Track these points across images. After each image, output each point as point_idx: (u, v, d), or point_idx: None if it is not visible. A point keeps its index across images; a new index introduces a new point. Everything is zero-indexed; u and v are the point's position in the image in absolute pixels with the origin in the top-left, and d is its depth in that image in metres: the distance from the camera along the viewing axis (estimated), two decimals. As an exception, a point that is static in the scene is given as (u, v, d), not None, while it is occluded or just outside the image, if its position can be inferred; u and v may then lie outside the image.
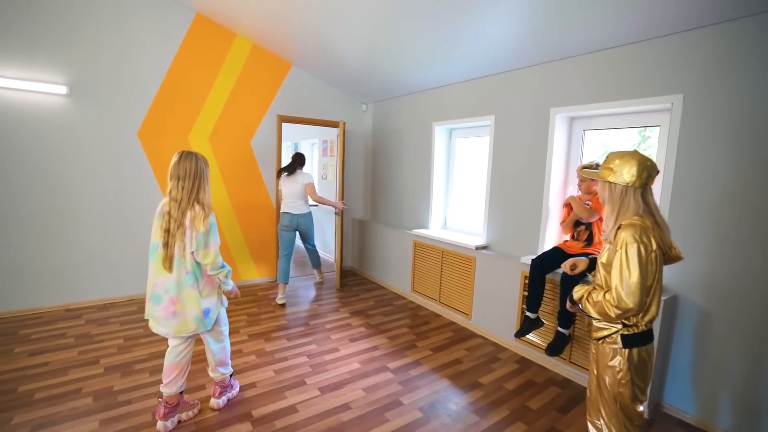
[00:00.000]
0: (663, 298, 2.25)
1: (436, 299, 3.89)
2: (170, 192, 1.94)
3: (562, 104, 2.90)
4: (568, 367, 2.77)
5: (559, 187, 3.08)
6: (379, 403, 2.39)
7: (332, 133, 5.69)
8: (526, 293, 3.02)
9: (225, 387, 2.30)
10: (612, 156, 1.42)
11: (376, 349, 3.09)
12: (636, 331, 1.41)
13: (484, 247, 3.50)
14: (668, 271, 2.31)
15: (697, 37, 2.21)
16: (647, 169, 1.35)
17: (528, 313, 2.72)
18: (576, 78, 2.80)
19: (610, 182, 1.40)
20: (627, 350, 1.41)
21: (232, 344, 3.01)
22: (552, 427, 2.25)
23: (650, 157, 1.40)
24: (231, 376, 2.33)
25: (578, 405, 2.45)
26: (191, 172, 1.93)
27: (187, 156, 1.96)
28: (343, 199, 4.46)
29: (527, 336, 2.99)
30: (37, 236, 3.43)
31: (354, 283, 4.82)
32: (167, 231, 1.90)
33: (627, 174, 1.36)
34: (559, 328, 2.58)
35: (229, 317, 3.58)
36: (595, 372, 1.53)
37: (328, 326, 3.49)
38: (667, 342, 2.40)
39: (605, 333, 1.45)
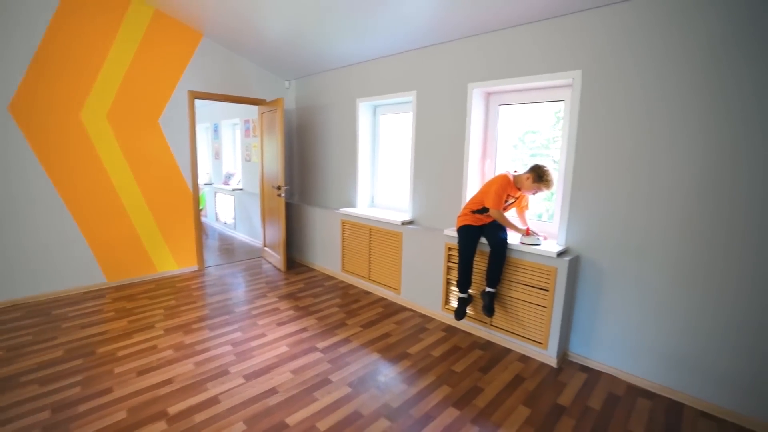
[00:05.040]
0: (567, 258, 2.41)
1: (366, 277, 3.87)
2: None
3: (477, 79, 2.95)
4: (491, 330, 2.89)
5: (478, 161, 3.14)
6: (307, 384, 2.31)
7: (255, 112, 5.32)
8: (449, 277, 3.08)
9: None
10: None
11: (305, 331, 2.99)
12: None
13: (409, 222, 3.51)
14: (572, 234, 2.51)
15: (591, 17, 2.34)
16: None
17: (461, 295, 2.81)
18: (489, 54, 2.86)
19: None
20: None
21: (144, 341, 2.73)
22: (474, 386, 2.34)
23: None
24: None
25: (498, 363, 2.58)
26: None
27: None
28: (284, 182, 4.18)
29: (453, 304, 3.08)
30: None
31: (286, 266, 4.63)
32: None
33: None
34: (489, 288, 2.66)
35: (141, 312, 3.24)
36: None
37: (254, 312, 3.31)
38: (571, 298, 2.58)
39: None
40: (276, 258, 4.51)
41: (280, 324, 3.09)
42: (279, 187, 4.21)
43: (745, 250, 1.97)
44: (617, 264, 2.38)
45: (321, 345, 2.77)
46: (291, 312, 3.32)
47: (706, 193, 2.05)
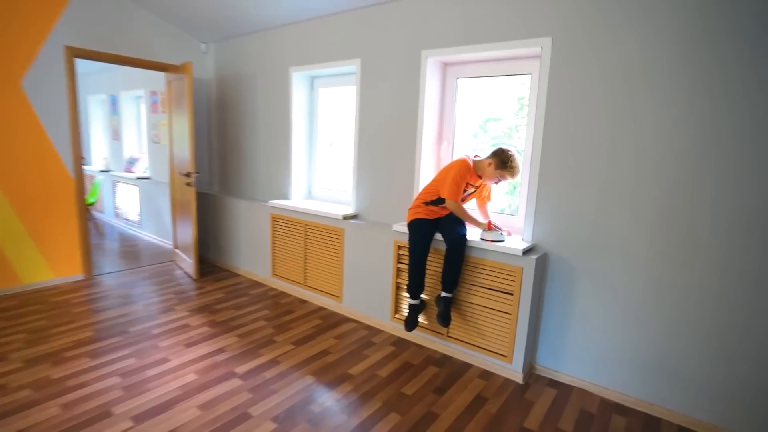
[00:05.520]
0: (534, 256, 2.35)
1: (302, 283, 3.69)
2: None
3: (433, 46, 2.83)
4: (447, 343, 2.81)
5: (433, 144, 3.06)
6: (219, 422, 2.04)
7: (163, 83, 4.83)
8: (400, 281, 2.98)
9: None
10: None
11: (222, 352, 2.70)
12: None
13: (353, 217, 3.38)
14: (540, 229, 2.48)
15: (563, -26, 2.27)
16: None
17: (413, 301, 2.74)
18: (447, 16, 2.74)
19: None
20: None
21: (-9, 375, 2.28)
22: (428, 411, 2.21)
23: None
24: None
25: (456, 382, 2.48)
26: None
27: None
28: (194, 169, 3.82)
29: (405, 313, 2.98)
30: None
31: (203, 271, 4.30)
32: None
33: None
34: (444, 293, 2.60)
35: (-6, 336, 2.75)
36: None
37: (156, 331, 2.95)
38: (539, 302, 2.55)
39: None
40: (188, 263, 4.13)
41: (190, 345, 2.78)
42: (188, 174, 3.84)
43: (731, 247, 1.99)
44: (589, 262, 2.37)
45: (241, 369, 2.51)
46: (205, 329, 3.02)
47: (687, 185, 2.06)
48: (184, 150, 3.95)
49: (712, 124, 1.98)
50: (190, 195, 3.90)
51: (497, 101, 2.88)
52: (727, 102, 1.93)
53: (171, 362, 2.56)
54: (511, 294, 2.47)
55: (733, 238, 1.97)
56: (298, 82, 3.79)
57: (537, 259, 2.39)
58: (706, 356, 2.09)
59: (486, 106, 2.93)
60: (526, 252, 2.44)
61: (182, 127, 3.97)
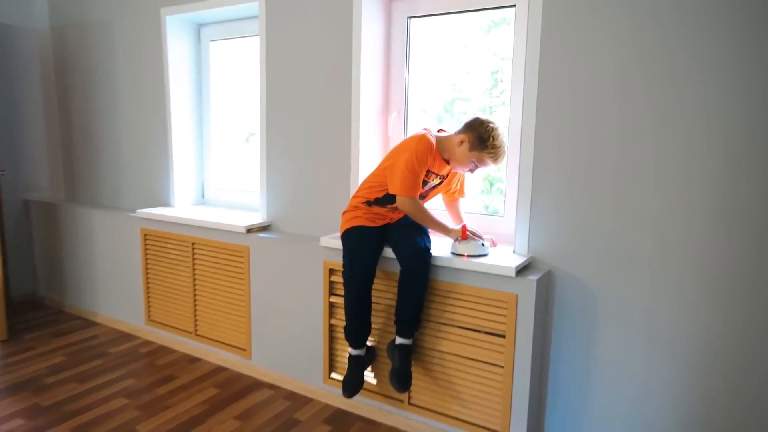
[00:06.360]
0: (534, 276, 2.23)
1: (191, 331, 3.40)
2: None
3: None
4: (408, 414, 2.56)
5: (377, 115, 2.84)
6: None
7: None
8: (335, 322, 2.75)
9: None
10: None
11: (39, 464, 2.16)
12: None
13: (263, 228, 3.13)
14: (538, 234, 2.37)
15: None
16: None
17: (354, 351, 2.51)
18: None
19: None
20: None
21: None
22: None
23: None
24: None
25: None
26: None
27: None
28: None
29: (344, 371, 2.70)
30: None
31: (36, 322, 3.86)
32: None
33: None
34: (400, 338, 2.38)
35: None
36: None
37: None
38: (544, 346, 2.34)
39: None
40: None
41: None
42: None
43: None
44: (617, 282, 2.15)
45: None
46: (18, 423, 2.50)
47: (749, 170, 1.84)
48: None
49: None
50: None
51: (465, 76, 2.87)
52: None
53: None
54: (503, 336, 2.22)
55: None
56: (177, 31, 3.47)
57: (539, 280, 2.14)
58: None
59: (451, 83, 2.93)
60: (522, 270, 2.21)
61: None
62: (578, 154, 2.15)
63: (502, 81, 2.65)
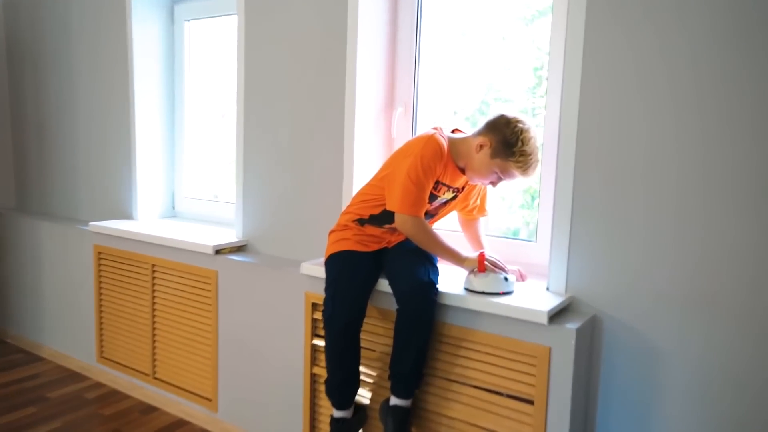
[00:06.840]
0: (573, 325, 2.13)
1: (148, 373, 3.35)
2: None
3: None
4: None
5: (379, 111, 2.81)
6: None
7: None
8: (317, 371, 2.70)
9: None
10: None
11: None
12: None
13: (237, 248, 3.09)
14: (579, 268, 2.23)
15: None
16: None
17: (338, 414, 2.41)
18: None
19: None
20: None
21: None
22: None
23: None
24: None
25: None
26: None
27: None
28: None
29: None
30: None
31: None
32: None
33: None
34: (396, 398, 2.26)
35: None
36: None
37: None
38: (586, 418, 2.17)
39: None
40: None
41: None
42: None
43: None
44: (687, 333, 1.97)
45: None
46: None
47: None
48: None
49: None
50: None
51: (503, 75, 2.89)
52: None
53: None
54: (531, 402, 2.05)
55: None
56: (145, 9, 3.49)
57: (579, 329, 1.97)
58: None
59: (486, 83, 2.95)
60: (557, 315, 2.05)
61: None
62: (630, 163, 2.01)
63: (546, 79, 2.65)
